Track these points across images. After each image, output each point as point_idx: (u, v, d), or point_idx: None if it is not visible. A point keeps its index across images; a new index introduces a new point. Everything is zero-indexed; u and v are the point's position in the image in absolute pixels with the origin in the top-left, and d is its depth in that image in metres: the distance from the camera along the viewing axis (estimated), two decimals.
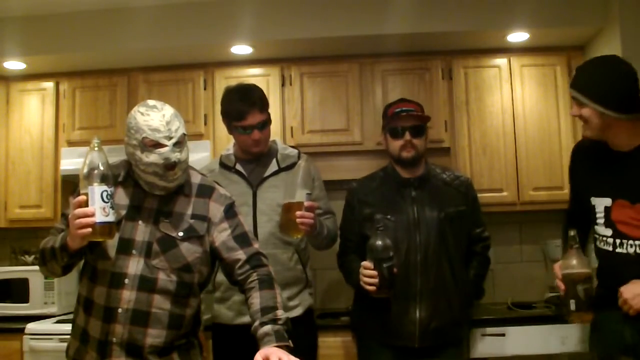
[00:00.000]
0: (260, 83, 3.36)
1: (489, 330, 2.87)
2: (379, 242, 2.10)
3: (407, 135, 2.32)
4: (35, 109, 3.52)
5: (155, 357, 1.77)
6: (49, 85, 3.52)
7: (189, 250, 1.81)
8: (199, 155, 3.27)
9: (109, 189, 1.63)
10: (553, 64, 3.33)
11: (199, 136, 3.37)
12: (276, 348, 1.62)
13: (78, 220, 1.59)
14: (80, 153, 3.31)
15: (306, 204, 2.15)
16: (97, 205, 1.60)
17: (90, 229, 1.60)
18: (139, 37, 3.22)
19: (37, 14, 3.24)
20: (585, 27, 3.13)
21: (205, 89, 3.43)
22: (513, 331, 2.87)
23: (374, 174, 2.50)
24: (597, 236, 2.01)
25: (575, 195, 2.17)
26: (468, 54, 3.36)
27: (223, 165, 2.50)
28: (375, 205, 2.34)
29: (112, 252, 1.76)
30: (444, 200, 2.34)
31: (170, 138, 1.76)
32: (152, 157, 1.75)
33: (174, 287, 1.79)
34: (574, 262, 1.84)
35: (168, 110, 1.79)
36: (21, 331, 3.00)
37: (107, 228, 1.62)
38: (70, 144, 3.47)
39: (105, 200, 1.61)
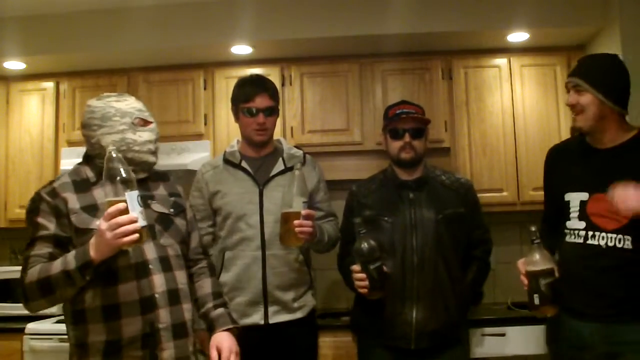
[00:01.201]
0: None
1: (489, 330, 2.88)
2: (364, 245, 2.10)
3: (407, 137, 2.32)
4: (35, 109, 3.52)
5: (191, 331, 1.85)
6: (49, 85, 3.52)
7: (181, 224, 1.92)
8: (199, 155, 3.27)
9: (139, 193, 1.61)
10: (553, 64, 3.33)
11: (199, 136, 3.38)
12: (231, 338, 1.87)
13: (125, 228, 1.54)
14: (79, 153, 3.30)
15: (303, 212, 2.14)
16: (137, 210, 1.57)
17: (138, 235, 1.56)
18: (139, 37, 3.22)
19: (37, 14, 3.24)
20: (585, 27, 3.13)
21: (205, 89, 3.43)
22: (513, 331, 2.87)
23: (374, 176, 2.50)
24: (567, 231, 2.02)
25: (550, 197, 2.19)
26: (468, 54, 3.36)
27: (227, 161, 2.46)
28: (373, 207, 2.34)
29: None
30: (442, 202, 2.33)
31: (151, 115, 1.90)
32: (147, 135, 1.85)
33: (182, 261, 1.89)
34: (537, 257, 1.91)
35: None
36: (21, 331, 3.00)
37: (145, 231, 1.61)
38: (70, 144, 3.47)
39: (140, 204, 1.60)
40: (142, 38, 3.22)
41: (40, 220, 1.75)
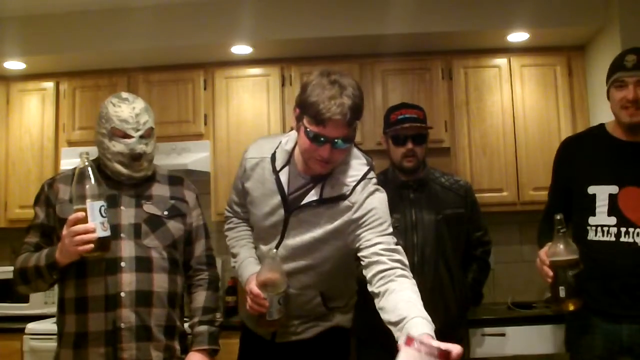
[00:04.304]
0: (260, 83, 3.39)
1: (489, 330, 2.87)
2: (401, 242, 2.13)
3: (409, 144, 2.32)
4: (35, 109, 3.52)
5: (162, 336, 1.81)
6: (49, 85, 3.52)
7: (175, 227, 1.89)
8: (199, 155, 3.27)
9: (105, 204, 1.62)
10: (553, 64, 3.33)
11: (199, 136, 3.38)
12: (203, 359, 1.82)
13: (79, 237, 1.57)
14: (80, 153, 3.32)
15: (251, 289, 1.82)
16: (97, 221, 1.58)
17: (92, 245, 1.58)
18: (139, 37, 3.22)
19: (37, 14, 3.24)
20: (585, 27, 3.13)
21: (205, 89, 3.43)
22: (513, 331, 2.87)
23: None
24: (591, 227, 1.91)
25: (561, 189, 2.07)
26: (468, 54, 3.36)
27: (273, 160, 1.89)
28: None
29: None
30: (442, 203, 2.35)
31: (137, 130, 1.82)
32: (119, 147, 1.81)
33: (168, 264, 1.85)
34: (562, 247, 1.76)
35: (139, 104, 1.86)
36: (21, 331, 3.01)
37: (107, 242, 1.62)
38: (70, 144, 3.47)
39: (104, 215, 1.61)
40: (142, 38, 3.22)
41: (37, 209, 1.86)
